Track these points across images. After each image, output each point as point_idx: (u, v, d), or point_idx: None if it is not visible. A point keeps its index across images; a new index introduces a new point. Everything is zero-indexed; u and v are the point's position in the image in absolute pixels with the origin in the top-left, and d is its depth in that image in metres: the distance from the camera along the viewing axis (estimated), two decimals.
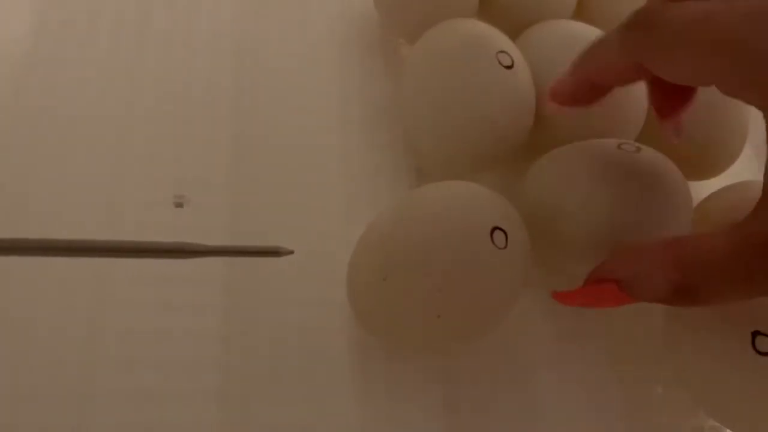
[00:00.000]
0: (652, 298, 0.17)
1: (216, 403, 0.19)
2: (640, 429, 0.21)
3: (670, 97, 0.20)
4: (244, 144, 0.23)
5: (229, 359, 0.20)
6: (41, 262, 0.16)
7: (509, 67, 0.22)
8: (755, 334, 0.18)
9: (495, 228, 0.19)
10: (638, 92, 0.24)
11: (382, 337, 0.20)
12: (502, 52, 0.22)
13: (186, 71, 0.25)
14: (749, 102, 0.16)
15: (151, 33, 0.26)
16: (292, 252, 0.16)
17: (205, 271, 0.20)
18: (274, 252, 0.15)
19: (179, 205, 0.21)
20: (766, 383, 0.18)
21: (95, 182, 0.22)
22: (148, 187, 0.22)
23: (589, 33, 0.24)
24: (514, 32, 0.25)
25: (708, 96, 0.24)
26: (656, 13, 0.16)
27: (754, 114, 0.28)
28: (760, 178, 0.16)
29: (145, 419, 0.19)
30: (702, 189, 0.24)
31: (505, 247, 0.19)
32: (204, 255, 0.15)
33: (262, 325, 0.20)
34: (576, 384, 0.21)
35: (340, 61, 0.26)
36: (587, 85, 0.20)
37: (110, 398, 0.19)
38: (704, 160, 0.24)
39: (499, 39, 0.22)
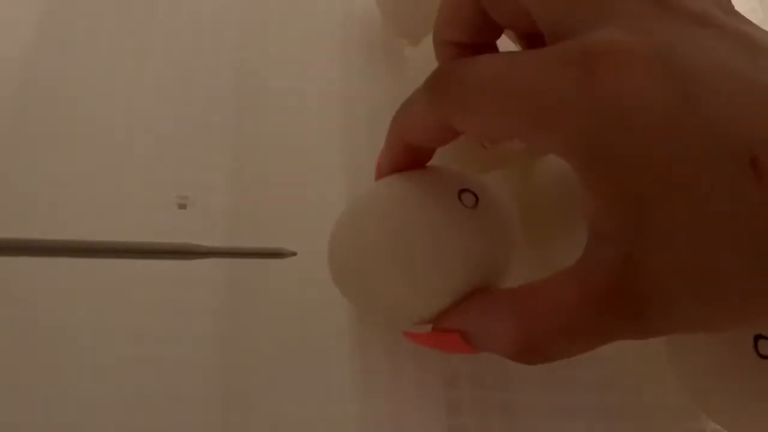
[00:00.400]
0: (499, 353, 0.16)
1: (217, 404, 0.19)
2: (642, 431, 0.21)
3: None
4: (246, 145, 0.23)
5: (230, 360, 0.20)
6: (44, 262, 0.16)
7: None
8: (757, 338, 0.18)
9: (464, 189, 0.18)
10: None
11: (354, 299, 0.20)
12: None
13: (188, 72, 0.25)
14: (553, 151, 0.15)
15: (155, 34, 0.26)
16: (294, 254, 0.16)
17: (207, 272, 0.20)
18: (276, 254, 0.15)
19: (182, 206, 0.21)
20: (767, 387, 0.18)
21: (98, 183, 0.22)
22: (151, 189, 0.22)
23: None
24: None
25: None
26: (452, 72, 0.16)
27: None
28: None
29: (146, 420, 0.19)
30: None
31: (475, 207, 0.18)
32: (207, 256, 0.15)
33: (264, 325, 0.20)
34: (575, 385, 0.21)
35: (342, 63, 0.26)
36: (405, 150, 0.18)
37: (112, 399, 0.19)
38: None
39: (508, 41, 0.22)
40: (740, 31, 0.14)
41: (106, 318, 0.20)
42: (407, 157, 0.18)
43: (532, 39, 0.18)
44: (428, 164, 0.19)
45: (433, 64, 0.22)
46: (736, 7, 0.15)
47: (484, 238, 0.18)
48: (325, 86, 0.26)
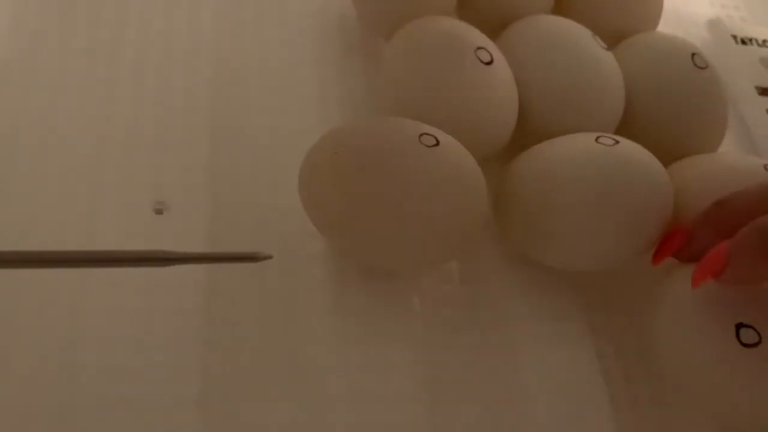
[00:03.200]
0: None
1: (198, 408, 0.19)
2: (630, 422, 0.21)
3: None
4: (223, 147, 0.23)
5: (211, 363, 0.19)
6: (19, 271, 0.16)
7: (489, 63, 0.22)
8: (739, 326, 0.18)
9: (423, 133, 0.20)
10: (615, 85, 0.24)
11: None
12: (480, 48, 0.22)
13: (163, 75, 0.25)
14: None
15: (128, 36, 0.25)
16: (270, 257, 0.15)
17: (185, 276, 0.20)
18: (251, 258, 0.15)
19: (159, 211, 0.21)
20: (750, 375, 0.18)
21: (74, 189, 0.22)
22: (128, 194, 0.22)
23: (569, 28, 0.24)
24: (492, 31, 0.24)
25: (687, 87, 0.24)
26: None
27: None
28: None
29: (127, 427, 0.18)
30: None
31: (437, 145, 0.19)
32: (183, 262, 0.15)
33: (245, 328, 0.20)
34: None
35: (318, 61, 0.26)
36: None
37: (92, 406, 0.19)
38: (683, 151, 0.24)
39: (477, 36, 0.22)
40: None
41: (85, 325, 0.19)
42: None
43: None
44: None
45: (408, 61, 0.22)
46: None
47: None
48: (302, 85, 0.26)
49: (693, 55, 0.25)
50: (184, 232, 0.21)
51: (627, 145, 0.21)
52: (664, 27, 0.28)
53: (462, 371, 0.21)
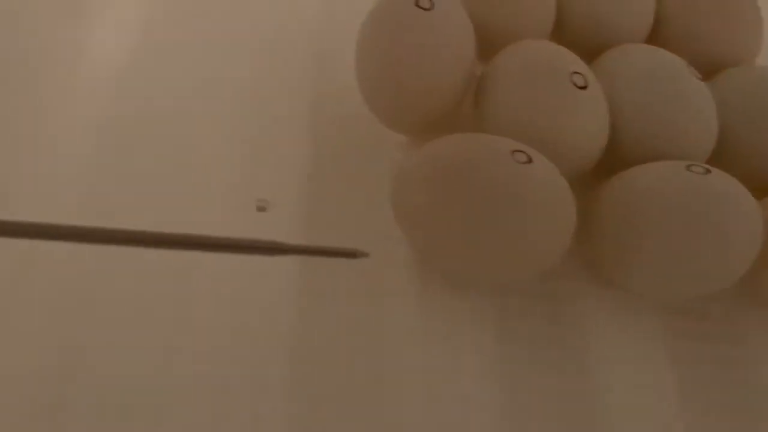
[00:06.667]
0: None
1: (284, 398, 0.20)
2: None
3: None
4: (324, 146, 0.24)
5: (301, 357, 0.21)
6: (131, 253, 0.18)
7: (583, 88, 0.22)
8: None
9: (516, 150, 0.20)
10: (708, 115, 0.24)
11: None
12: (576, 73, 0.22)
13: (267, 77, 0.26)
14: None
15: (233, 34, 0.27)
16: (367, 255, 0.17)
17: (280, 270, 0.21)
18: (351, 254, 0.16)
19: (262, 209, 0.22)
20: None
21: (182, 185, 0.24)
22: (232, 191, 0.23)
23: (663, 58, 0.24)
24: (587, 56, 0.25)
25: None
26: None
27: None
28: None
29: (219, 410, 0.20)
30: None
31: (529, 162, 0.20)
32: (288, 253, 0.16)
33: (335, 324, 0.21)
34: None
35: None
36: None
37: (187, 389, 0.20)
38: None
39: (573, 60, 0.23)
40: None
41: (187, 310, 0.21)
42: None
43: None
44: None
45: (504, 85, 0.23)
46: None
47: None
48: None
49: None
50: (284, 230, 0.22)
51: (718, 174, 0.22)
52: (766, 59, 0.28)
53: (539, 387, 0.21)
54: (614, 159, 0.24)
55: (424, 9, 0.23)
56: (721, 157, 0.24)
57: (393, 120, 0.24)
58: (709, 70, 0.26)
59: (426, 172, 0.21)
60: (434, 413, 0.20)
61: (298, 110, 0.26)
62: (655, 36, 0.27)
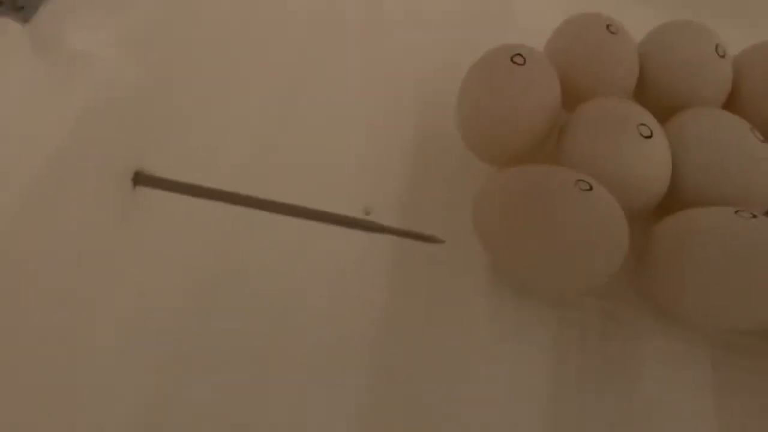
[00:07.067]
0: None
1: (364, 366, 0.24)
2: None
3: None
4: (423, 155, 0.29)
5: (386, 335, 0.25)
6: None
7: (648, 137, 0.26)
8: None
9: (579, 180, 0.24)
10: (765, 173, 0.27)
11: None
12: (642, 124, 0.26)
13: (385, 117, 0.31)
14: None
15: (364, 84, 0.33)
16: (443, 241, 0.21)
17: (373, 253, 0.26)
18: (429, 238, 0.21)
19: (368, 213, 0.27)
20: None
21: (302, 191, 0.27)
22: (342, 200, 0.27)
23: (728, 120, 0.28)
24: (664, 115, 0.29)
25: None
26: None
27: None
28: None
29: (299, 369, 0.24)
30: None
31: (590, 190, 0.24)
32: (380, 232, 0.21)
33: (420, 299, 0.25)
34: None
35: None
36: None
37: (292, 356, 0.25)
38: None
39: (641, 113, 0.27)
40: None
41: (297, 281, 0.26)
42: None
43: None
44: None
45: (582, 134, 0.27)
46: None
47: None
48: None
49: None
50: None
51: (763, 220, 0.25)
52: None
53: (583, 390, 0.25)
54: (675, 202, 0.27)
55: (518, 64, 0.27)
56: None
57: (485, 154, 0.29)
58: None
59: (502, 194, 0.25)
60: (489, 395, 0.24)
61: (407, 145, 0.31)
62: (732, 101, 0.31)
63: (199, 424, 0.22)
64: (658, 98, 0.30)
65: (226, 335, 0.23)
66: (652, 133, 0.26)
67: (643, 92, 0.31)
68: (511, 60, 0.28)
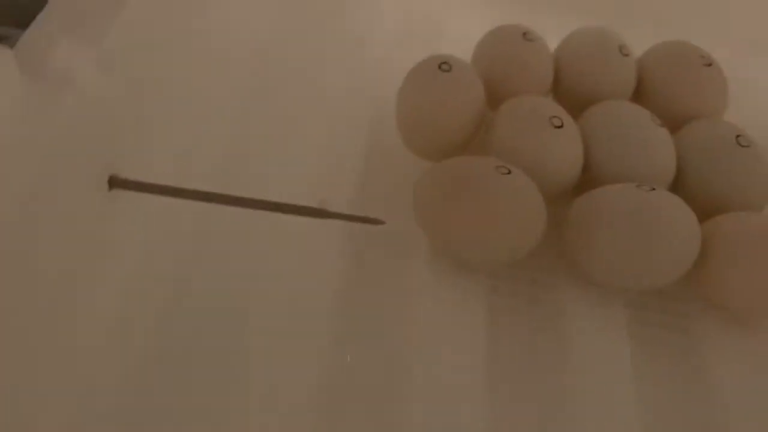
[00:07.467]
0: None
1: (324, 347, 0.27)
2: None
3: None
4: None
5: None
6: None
7: (559, 127, 0.30)
8: None
9: (499, 165, 0.28)
10: (666, 154, 0.31)
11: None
12: (554, 116, 0.30)
13: (339, 118, 0.35)
14: None
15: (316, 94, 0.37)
16: (384, 222, 0.25)
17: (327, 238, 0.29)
18: (373, 221, 0.25)
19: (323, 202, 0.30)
20: None
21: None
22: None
23: (630, 109, 0.32)
24: (579, 109, 0.33)
25: (729, 160, 0.31)
26: None
27: None
28: None
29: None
30: None
31: (509, 174, 0.28)
32: (329, 217, 0.25)
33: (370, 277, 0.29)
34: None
35: None
36: None
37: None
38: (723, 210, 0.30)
39: (553, 107, 0.31)
40: None
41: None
42: None
43: None
44: None
45: (504, 129, 0.31)
46: None
47: None
48: None
49: (737, 136, 0.31)
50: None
51: (661, 192, 0.29)
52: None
53: (520, 357, 0.28)
54: (588, 182, 0.31)
55: (445, 71, 0.31)
56: (679, 187, 0.31)
57: (422, 151, 0.33)
58: (678, 122, 0.33)
59: (436, 181, 0.29)
60: (433, 355, 0.27)
61: (355, 148, 0.34)
62: (638, 94, 0.35)
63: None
64: (572, 95, 0.34)
65: (203, 319, 0.26)
66: (563, 123, 0.30)
67: (560, 91, 0.35)
68: (439, 68, 0.31)
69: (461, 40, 0.36)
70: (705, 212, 0.29)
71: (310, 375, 0.26)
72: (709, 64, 0.34)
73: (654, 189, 0.29)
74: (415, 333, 0.28)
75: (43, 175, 0.22)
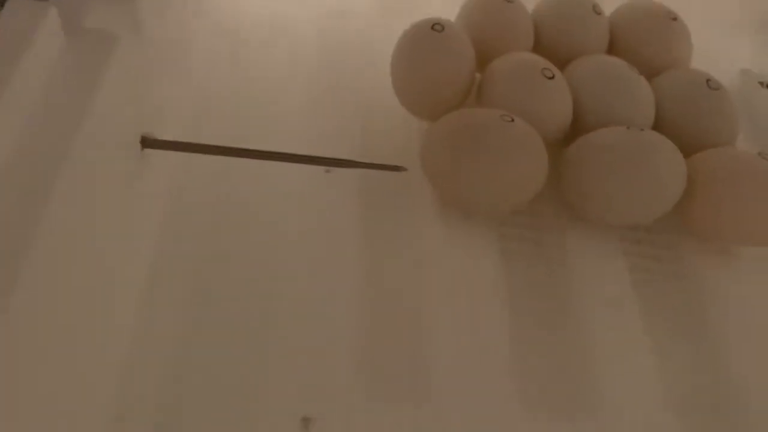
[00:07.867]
0: None
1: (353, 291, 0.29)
2: None
3: None
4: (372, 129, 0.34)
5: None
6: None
7: (551, 78, 0.32)
8: None
9: (503, 114, 0.30)
10: (646, 99, 0.33)
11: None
12: (545, 68, 0.32)
13: (339, 80, 0.36)
14: None
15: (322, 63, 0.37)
16: (406, 169, 0.26)
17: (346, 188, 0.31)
18: (395, 168, 0.26)
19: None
20: None
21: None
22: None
23: (611, 60, 0.34)
24: (559, 64, 0.35)
25: (702, 101, 0.34)
26: None
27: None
28: None
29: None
30: None
31: (512, 121, 0.29)
32: (351, 166, 0.26)
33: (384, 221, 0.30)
34: None
35: None
36: None
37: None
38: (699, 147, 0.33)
39: (542, 61, 0.33)
40: None
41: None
42: None
43: None
44: None
45: (497, 84, 0.33)
46: None
47: None
48: None
49: (707, 80, 0.34)
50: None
51: (650, 132, 0.31)
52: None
53: (529, 290, 0.30)
54: (579, 130, 0.33)
55: (438, 32, 0.33)
56: (657, 129, 0.34)
57: (416, 110, 0.34)
58: (653, 71, 0.36)
59: (442, 132, 0.30)
60: (450, 294, 0.29)
61: (355, 104, 0.35)
62: (612, 49, 0.37)
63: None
64: (551, 52, 0.36)
65: (233, 266, 0.27)
66: (553, 75, 0.32)
67: (539, 49, 0.37)
68: (432, 28, 0.33)
69: (443, 7, 0.38)
70: (682, 150, 0.32)
71: (339, 317, 0.27)
72: (674, 19, 0.37)
73: (643, 130, 0.31)
74: (431, 276, 0.29)
75: (80, 135, 0.22)
